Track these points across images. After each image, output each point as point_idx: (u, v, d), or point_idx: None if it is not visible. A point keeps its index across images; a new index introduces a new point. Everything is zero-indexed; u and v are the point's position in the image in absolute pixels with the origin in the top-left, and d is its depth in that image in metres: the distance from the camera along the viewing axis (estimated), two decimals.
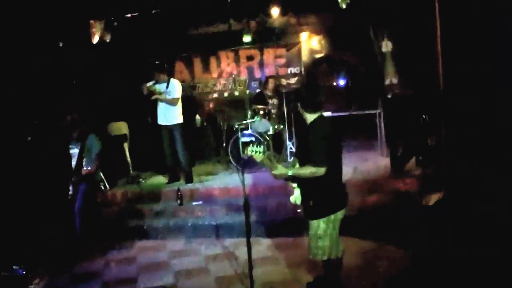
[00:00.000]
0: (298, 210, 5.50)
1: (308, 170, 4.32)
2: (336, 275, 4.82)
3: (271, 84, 9.92)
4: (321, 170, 4.27)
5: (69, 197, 6.93)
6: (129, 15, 8.72)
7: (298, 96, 4.70)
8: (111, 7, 8.68)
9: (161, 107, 8.65)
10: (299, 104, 4.58)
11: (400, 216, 6.64)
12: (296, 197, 4.73)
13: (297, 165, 4.65)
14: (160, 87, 8.57)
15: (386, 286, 5.14)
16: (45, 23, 8.14)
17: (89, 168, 6.90)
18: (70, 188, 6.95)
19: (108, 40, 8.77)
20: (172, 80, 8.71)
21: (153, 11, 8.68)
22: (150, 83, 8.59)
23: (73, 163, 7.07)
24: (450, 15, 7.40)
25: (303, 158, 4.58)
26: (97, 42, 8.73)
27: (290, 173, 4.47)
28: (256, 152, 4.40)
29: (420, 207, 6.80)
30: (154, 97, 8.52)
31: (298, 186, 4.68)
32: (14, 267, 6.30)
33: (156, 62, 9.02)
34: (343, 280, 5.18)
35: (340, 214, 4.57)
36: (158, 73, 8.59)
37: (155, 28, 9.44)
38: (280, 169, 4.48)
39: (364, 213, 6.96)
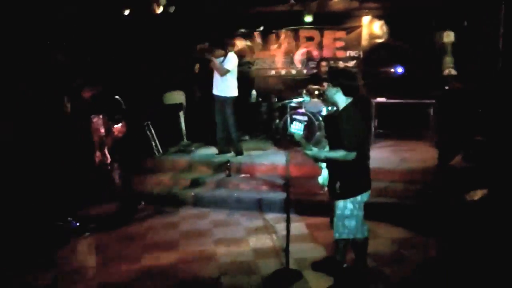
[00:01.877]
0: (322, 192, 5.67)
1: (340, 153, 4.44)
2: (363, 254, 4.94)
3: (323, 67, 10.02)
4: (352, 155, 4.40)
5: (108, 163, 7.07)
6: None
7: (334, 76, 4.75)
8: None
9: (217, 78, 8.91)
10: (331, 85, 4.63)
11: (441, 209, 6.68)
12: (324, 178, 4.90)
13: (327, 148, 4.77)
14: (218, 60, 8.76)
15: (417, 275, 5.20)
16: None
17: (118, 126, 6.92)
18: (107, 154, 7.04)
19: (171, 11, 9.00)
20: (230, 53, 8.90)
21: None
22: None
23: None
24: None
25: (333, 141, 4.68)
26: (161, 13, 8.97)
27: (322, 156, 4.62)
28: (296, 128, 4.55)
29: (464, 201, 6.80)
30: (207, 56, 8.76)
31: (327, 167, 4.84)
32: (69, 218, 6.77)
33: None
34: (376, 263, 5.34)
35: (366, 196, 4.70)
36: (216, 48, 8.84)
37: (218, 3, 9.64)
38: (313, 150, 4.63)
39: (405, 202, 7.04)
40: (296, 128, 4.57)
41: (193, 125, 10.55)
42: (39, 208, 6.89)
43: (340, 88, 4.58)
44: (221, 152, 9.13)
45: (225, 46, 8.93)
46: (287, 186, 5.00)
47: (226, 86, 8.80)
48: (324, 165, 4.92)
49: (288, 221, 5.06)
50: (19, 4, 7.39)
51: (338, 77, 4.69)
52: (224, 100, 8.83)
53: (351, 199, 4.61)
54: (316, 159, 4.79)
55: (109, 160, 6.93)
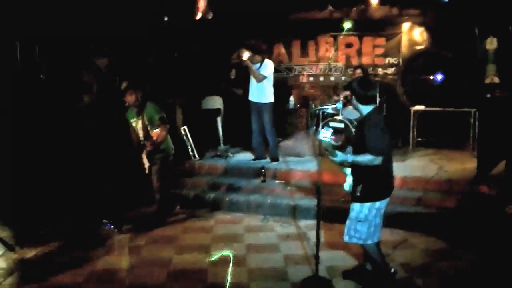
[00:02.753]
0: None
1: (366, 158, 4.46)
2: (378, 258, 4.91)
3: (357, 75, 9.89)
4: (378, 159, 4.43)
5: (147, 168, 7.08)
6: None
7: (351, 89, 4.88)
8: None
9: (253, 84, 8.87)
10: (353, 97, 4.76)
11: (478, 221, 6.54)
12: (349, 184, 4.89)
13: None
14: (255, 66, 8.74)
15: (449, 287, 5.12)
16: None
17: (157, 130, 6.84)
18: (145, 160, 7.04)
19: (209, 18, 9.09)
20: (266, 60, 8.87)
21: None
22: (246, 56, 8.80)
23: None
24: None
25: (357, 148, 4.69)
26: (200, 19, 9.07)
27: (350, 160, 4.62)
28: (324, 135, 4.56)
29: (503, 214, 6.65)
30: (245, 63, 8.65)
31: (351, 173, 4.86)
32: (104, 220, 6.92)
33: (249, 42, 9.12)
34: (408, 274, 5.27)
35: (384, 203, 4.70)
36: (253, 54, 8.72)
37: (257, 10, 9.69)
38: (340, 156, 4.62)
39: (442, 212, 6.92)
40: (324, 135, 4.57)
41: (230, 131, 10.61)
42: (77, 209, 7.06)
43: (356, 98, 4.72)
44: (257, 158, 9.16)
45: (262, 52, 8.92)
46: (319, 193, 4.97)
47: (262, 92, 8.77)
48: (349, 171, 4.91)
49: (318, 228, 5.05)
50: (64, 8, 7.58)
51: (354, 87, 4.79)
52: (260, 106, 8.81)
53: (368, 204, 4.65)
54: (342, 165, 4.79)
55: (147, 164, 6.99)
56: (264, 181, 8.25)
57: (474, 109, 9.42)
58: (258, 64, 8.76)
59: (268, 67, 8.76)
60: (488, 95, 9.55)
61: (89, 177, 7.46)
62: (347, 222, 4.79)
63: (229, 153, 9.67)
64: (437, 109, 9.77)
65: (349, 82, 10.15)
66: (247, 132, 9.44)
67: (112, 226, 6.89)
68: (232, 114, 10.86)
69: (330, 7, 10.16)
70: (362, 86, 4.73)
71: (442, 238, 6.37)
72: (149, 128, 6.89)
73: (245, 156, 9.72)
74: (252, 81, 8.86)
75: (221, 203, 7.89)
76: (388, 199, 4.73)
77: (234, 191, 8.15)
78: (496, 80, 9.99)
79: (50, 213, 6.85)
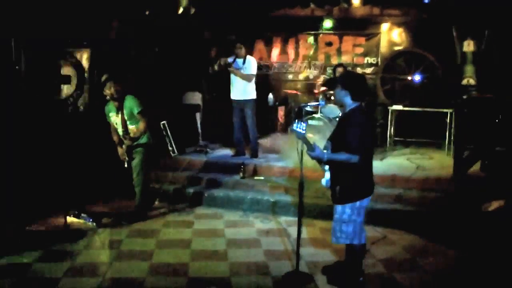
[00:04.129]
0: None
1: (343, 156, 4.45)
2: (358, 261, 4.93)
3: (339, 72, 9.91)
4: (355, 158, 4.40)
5: (126, 163, 6.99)
6: None
7: (344, 80, 4.80)
8: None
9: (236, 82, 8.86)
10: (340, 87, 4.67)
11: (456, 218, 6.66)
12: (326, 180, 4.90)
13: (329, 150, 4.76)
14: (238, 62, 8.76)
15: (429, 283, 5.18)
16: None
17: (136, 126, 6.80)
18: (124, 154, 6.93)
19: (191, 13, 9.06)
20: (248, 57, 8.88)
21: None
22: (230, 59, 8.82)
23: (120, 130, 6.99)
24: None
25: (336, 143, 4.70)
26: (181, 13, 9.03)
27: (325, 157, 4.59)
28: (299, 128, 4.56)
29: (479, 212, 6.78)
30: (230, 69, 8.70)
31: (329, 170, 4.84)
32: (82, 215, 6.85)
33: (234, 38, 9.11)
34: (387, 270, 5.34)
35: (366, 202, 4.70)
36: (240, 46, 8.77)
37: (238, 5, 9.68)
38: (316, 151, 4.58)
39: (421, 210, 7.02)
40: (299, 127, 4.56)
41: (209, 126, 10.61)
42: (55, 202, 6.97)
43: (349, 92, 4.62)
44: (237, 154, 9.17)
45: (238, 49, 8.86)
46: (301, 188, 4.99)
47: (245, 90, 8.79)
48: (326, 167, 4.90)
49: (299, 223, 5.09)
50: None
51: (349, 81, 4.74)
52: (244, 103, 8.84)
53: (350, 204, 4.63)
54: (319, 161, 4.78)
55: (126, 158, 6.93)
56: (243, 177, 8.25)
57: (451, 110, 9.55)
58: (241, 60, 8.76)
59: (252, 65, 8.78)
60: (464, 96, 9.72)
61: (67, 170, 7.36)
62: (332, 223, 4.79)
63: (208, 149, 9.65)
64: (415, 109, 9.89)
65: (329, 78, 10.19)
66: (226, 128, 9.47)
67: (91, 220, 6.82)
68: (211, 110, 10.85)
69: (312, 5, 10.15)
70: (357, 81, 4.73)
71: (421, 235, 6.47)
72: (128, 122, 6.83)
73: (224, 152, 9.74)
74: (234, 79, 8.87)
75: (201, 198, 7.88)
76: (369, 197, 4.74)
77: (214, 186, 8.14)
78: (472, 81, 10.17)
79: (27, 206, 6.73)
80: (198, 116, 10.45)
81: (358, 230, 4.71)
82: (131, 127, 6.73)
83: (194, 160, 9.04)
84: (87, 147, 7.64)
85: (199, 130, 10.43)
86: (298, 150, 4.83)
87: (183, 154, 9.41)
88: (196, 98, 10.64)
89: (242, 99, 8.88)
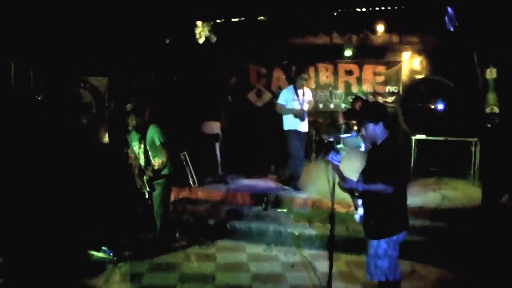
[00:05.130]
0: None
1: (378, 187, 4.28)
2: None
3: (357, 106, 9.79)
4: (390, 189, 4.23)
5: (147, 194, 6.87)
6: (235, 19, 8.92)
7: (372, 113, 4.66)
8: (217, 10, 8.96)
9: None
10: (370, 121, 4.51)
11: (485, 250, 6.46)
12: (360, 215, 4.71)
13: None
14: (299, 93, 8.65)
15: None
16: (156, 20, 8.52)
17: (160, 160, 6.61)
18: (145, 185, 6.80)
19: (213, 42, 9.02)
20: (305, 87, 8.85)
21: (258, 18, 8.86)
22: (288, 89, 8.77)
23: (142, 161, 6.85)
24: None
25: (369, 175, 4.53)
26: (203, 43, 9.00)
27: (360, 188, 4.45)
28: (334, 159, 4.41)
29: (509, 243, 6.56)
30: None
31: (362, 204, 4.64)
32: (103, 248, 6.70)
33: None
34: None
35: (402, 236, 4.50)
36: (305, 76, 8.78)
37: (257, 34, 9.64)
38: (350, 182, 4.45)
39: (448, 243, 6.81)
40: (334, 158, 4.42)
41: (228, 156, 10.47)
42: (76, 236, 6.85)
43: (381, 123, 4.48)
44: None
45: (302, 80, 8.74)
46: (332, 221, 4.80)
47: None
48: (360, 202, 4.72)
49: (331, 259, 4.87)
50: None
51: (377, 112, 4.60)
52: (304, 134, 8.87)
53: (386, 238, 4.43)
54: (352, 193, 4.62)
55: (147, 189, 6.80)
56: (266, 209, 8.08)
57: (475, 139, 9.38)
58: (301, 91, 8.70)
59: (311, 94, 8.96)
60: (488, 125, 9.55)
61: (88, 202, 7.26)
62: (367, 259, 4.60)
63: (228, 179, 9.51)
64: (438, 138, 9.72)
65: (349, 109, 10.07)
66: (244, 158, 9.34)
67: (112, 253, 6.66)
68: (229, 140, 10.74)
69: (333, 33, 10.08)
70: (383, 110, 4.61)
71: (450, 269, 6.27)
72: (150, 153, 6.72)
73: (244, 183, 9.60)
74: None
75: (222, 230, 7.69)
76: (405, 231, 4.55)
77: (235, 218, 7.95)
78: (496, 109, 9.99)
79: (48, 241, 6.60)
80: (217, 146, 10.31)
81: (393, 266, 4.51)
82: (155, 160, 6.57)
83: (214, 191, 8.91)
84: (108, 178, 7.52)
85: (218, 160, 10.27)
86: (330, 182, 4.66)
87: (203, 185, 9.27)
88: (214, 127, 10.51)
89: (305, 131, 8.83)
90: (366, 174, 4.63)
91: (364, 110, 5.06)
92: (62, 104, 7.97)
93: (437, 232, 7.06)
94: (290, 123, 8.66)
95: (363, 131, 4.63)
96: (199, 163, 9.44)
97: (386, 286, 4.64)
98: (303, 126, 8.73)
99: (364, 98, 10.19)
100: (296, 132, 8.65)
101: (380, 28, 9.00)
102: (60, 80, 8.05)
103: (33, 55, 7.36)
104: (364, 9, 8.55)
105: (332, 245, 4.92)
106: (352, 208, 4.82)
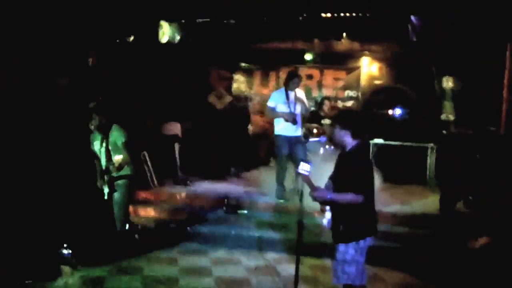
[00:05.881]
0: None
1: (348, 197, 4.31)
2: None
3: (326, 106, 9.85)
4: (360, 198, 4.27)
5: (106, 195, 6.77)
6: (199, 20, 8.87)
7: (343, 119, 4.70)
8: (183, 11, 8.89)
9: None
10: (339, 127, 4.54)
11: (443, 255, 6.62)
12: (327, 220, 4.75)
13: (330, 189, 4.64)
14: (290, 95, 8.39)
15: None
16: (118, 18, 8.39)
17: (120, 156, 6.52)
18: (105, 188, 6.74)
19: (176, 42, 8.95)
20: (297, 89, 8.59)
21: (224, 21, 8.84)
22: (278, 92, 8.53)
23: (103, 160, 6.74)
24: None
25: (338, 182, 4.56)
26: (166, 43, 8.92)
27: (328, 197, 4.45)
28: (303, 169, 4.44)
29: (466, 249, 6.75)
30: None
31: (330, 209, 4.67)
32: (61, 249, 6.49)
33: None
34: None
35: (369, 241, 4.55)
36: (298, 79, 8.50)
37: (221, 36, 9.61)
38: (320, 192, 4.46)
39: (406, 247, 6.95)
40: (304, 168, 4.44)
41: (187, 158, 10.40)
42: (31, 237, 6.63)
43: (349, 131, 4.50)
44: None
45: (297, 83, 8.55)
46: (301, 226, 4.80)
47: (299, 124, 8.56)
48: (328, 207, 4.76)
49: (297, 263, 4.87)
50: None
51: (348, 120, 4.63)
52: (299, 140, 8.56)
53: (353, 243, 4.46)
54: (323, 202, 4.65)
55: (107, 190, 6.68)
56: (227, 212, 8.07)
57: (432, 144, 9.62)
58: (293, 93, 8.45)
59: (304, 95, 8.76)
60: (444, 132, 9.83)
61: (43, 203, 7.04)
62: (334, 263, 4.62)
63: (188, 181, 9.44)
64: (396, 143, 9.90)
65: (313, 112, 10.15)
66: (204, 159, 9.49)
67: (70, 255, 6.47)
68: (189, 141, 10.67)
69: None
70: (358, 119, 4.64)
71: (410, 273, 6.36)
72: (111, 152, 6.60)
73: (205, 185, 9.57)
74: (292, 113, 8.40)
75: (183, 233, 7.61)
76: (372, 237, 4.60)
77: (196, 221, 7.88)
78: (451, 117, 10.30)
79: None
80: (176, 147, 10.23)
81: (360, 271, 4.56)
82: (117, 158, 6.44)
83: (175, 192, 8.86)
84: (66, 178, 7.34)
85: (177, 162, 10.19)
86: (298, 190, 4.68)
87: (163, 186, 9.18)
88: (175, 128, 10.43)
89: (298, 135, 8.49)
90: (334, 180, 4.67)
91: (336, 115, 5.09)
92: (21, 101, 7.73)
93: (397, 237, 7.16)
94: (279, 127, 8.42)
95: (333, 135, 4.67)
96: (158, 164, 9.35)
97: None
98: (294, 131, 8.38)
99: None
100: (284, 138, 8.35)
101: (343, 34, 9.09)
102: (19, 78, 7.82)
103: None
104: (328, 15, 8.65)
105: (300, 250, 4.93)
106: (316, 214, 4.84)
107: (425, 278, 6.18)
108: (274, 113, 8.40)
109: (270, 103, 8.43)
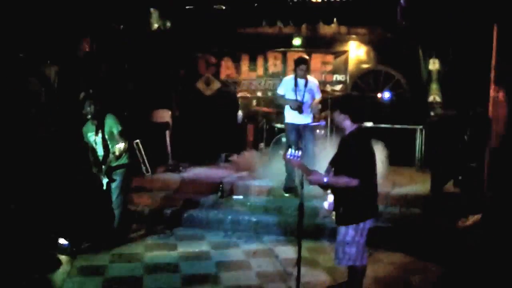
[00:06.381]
0: (326, 216, 5.67)
1: (343, 180, 4.40)
2: (359, 282, 4.88)
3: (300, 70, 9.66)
4: (355, 182, 4.34)
5: (105, 185, 6.72)
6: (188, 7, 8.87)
7: (343, 103, 4.79)
8: None
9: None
10: (339, 111, 4.62)
11: (435, 233, 6.78)
12: (329, 203, 4.85)
13: (331, 173, 4.74)
14: (299, 83, 7.97)
15: None
16: (109, 5, 8.37)
17: (122, 145, 6.29)
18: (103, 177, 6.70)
19: (167, 28, 8.95)
20: (309, 77, 8.17)
21: (213, 7, 8.84)
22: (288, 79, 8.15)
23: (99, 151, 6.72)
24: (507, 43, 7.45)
25: (337, 166, 4.66)
26: (154, 30, 8.92)
27: (325, 180, 4.54)
28: (294, 156, 4.52)
29: (456, 227, 6.91)
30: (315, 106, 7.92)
31: (332, 192, 4.77)
32: (59, 240, 6.50)
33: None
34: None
35: (369, 223, 4.63)
36: (305, 66, 7.97)
37: (208, 22, 9.60)
38: (316, 175, 4.55)
39: (399, 227, 7.09)
40: (294, 154, 4.52)
41: (178, 145, 10.43)
42: (28, 227, 6.63)
43: (348, 115, 4.57)
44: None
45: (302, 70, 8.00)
46: (301, 209, 4.89)
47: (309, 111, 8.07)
48: (329, 190, 4.85)
49: (299, 244, 4.97)
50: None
51: (348, 104, 4.71)
52: (311, 128, 8.18)
53: (354, 225, 4.55)
54: (320, 185, 4.74)
55: (105, 180, 6.68)
56: (222, 196, 8.14)
57: (420, 126, 9.75)
58: (303, 81, 7.99)
59: (317, 86, 8.23)
60: (431, 113, 9.97)
61: (40, 194, 7.03)
62: (335, 245, 4.72)
63: (180, 168, 9.49)
64: (385, 125, 10.00)
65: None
66: (195, 146, 9.72)
67: (68, 245, 6.49)
68: (180, 128, 10.70)
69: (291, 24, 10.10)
70: (357, 104, 4.71)
71: (405, 252, 6.49)
72: (108, 142, 6.60)
73: (197, 171, 9.63)
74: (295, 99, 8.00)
75: (179, 219, 7.68)
76: (372, 219, 4.70)
77: (192, 206, 7.97)
78: (438, 99, 10.45)
79: None
80: (167, 134, 10.26)
81: (361, 252, 4.67)
82: (118, 146, 6.27)
83: (168, 179, 8.90)
84: (63, 169, 7.34)
85: (169, 149, 10.22)
86: (298, 174, 4.76)
87: (156, 173, 9.21)
88: (165, 116, 10.46)
89: (308, 123, 8.04)
90: (334, 164, 4.76)
91: (336, 100, 5.18)
92: (7, 92, 7.67)
93: (390, 217, 7.30)
94: (287, 115, 8.15)
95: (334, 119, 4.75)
96: (150, 152, 9.36)
97: (354, 271, 4.81)
98: (302, 119, 7.98)
99: None
100: (291, 126, 8.06)
101: (333, 19, 9.12)
102: (5, 66, 7.76)
103: None
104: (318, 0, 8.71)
105: (300, 233, 5.03)
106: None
107: (420, 258, 6.31)
108: (282, 100, 8.17)
109: (279, 90, 8.21)
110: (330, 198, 4.78)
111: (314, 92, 8.06)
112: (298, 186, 4.84)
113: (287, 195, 8.08)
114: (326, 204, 4.87)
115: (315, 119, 8.27)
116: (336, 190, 4.68)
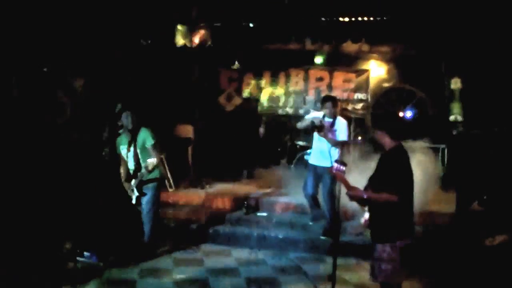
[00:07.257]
0: (359, 233, 5.63)
1: (383, 197, 4.39)
2: None
3: (325, 109, 9.54)
4: (394, 198, 4.33)
5: (135, 199, 6.73)
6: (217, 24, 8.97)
7: (380, 120, 4.80)
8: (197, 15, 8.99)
9: (317, 145, 7.40)
10: (380, 128, 4.65)
11: (461, 253, 6.71)
12: (366, 220, 4.85)
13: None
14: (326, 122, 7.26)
15: None
16: (137, 21, 8.47)
17: (154, 159, 6.29)
18: (134, 189, 6.68)
19: (193, 46, 9.03)
20: (340, 118, 7.38)
21: (239, 24, 8.93)
22: (316, 115, 7.51)
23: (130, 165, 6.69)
24: None
25: (376, 182, 4.64)
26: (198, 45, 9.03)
27: (365, 196, 4.54)
28: (340, 170, 4.54)
29: (483, 246, 6.85)
30: (320, 134, 7.08)
31: (368, 209, 4.78)
32: (86, 253, 6.50)
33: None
34: None
35: (405, 242, 4.59)
36: (333, 105, 7.29)
37: (234, 39, 9.69)
38: (356, 190, 4.56)
39: (427, 246, 7.02)
40: (340, 169, 4.57)
41: (200, 160, 10.46)
42: (57, 242, 6.67)
43: (385, 132, 4.59)
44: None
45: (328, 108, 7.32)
46: (338, 226, 4.91)
47: (326, 155, 6.85)
48: (366, 207, 4.86)
49: (334, 262, 4.98)
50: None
51: (384, 121, 4.73)
52: (322, 171, 7.25)
53: (390, 243, 4.54)
54: (359, 201, 4.74)
55: (136, 194, 6.70)
56: (247, 213, 8.14)
57: (443, 145, 9.73)
58: (331, 121, 7.27)
59: (345, 128, 7.29)
60: (454, 132, 9.94)
61: (68, 206, 7.07)
62: (371, 261, 4.72)
63: (204, 183, 9.51)
64: (407, 144, 9.96)
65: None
66: (217, 161, 9.70)
67: (96, 258, 6.50)
68: (202, 144, 10.73)
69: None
70: (394, 121, 4.72)
71: (427, 273, 6.43)
72: (140, 156, 6.61)
73: (220, 186, 9.65)
74: (317, 140, 7.40)
75: (204, 234, 7.70)
76: (409, 237, 4.68)
77: (217, 222, 7.97)
78: (459, 118, 10.43)
79: (26, 248, 6.30)
80: (189, 149, 10.30)
81: (397, 269, 4.65)
82: (150, 161, 6.28)
83: (192, 195, 8.91)
84: (92, 182, 7.37)
85: (190, 163, 10.25)
86: (337, 190, 4.77)
87: (178, 189, 9.24)
88: (188, 130, 10.50)
89: (321, 166, 7.27)
90: (373, 181, 4.76)
91: (374, 117, 5.20)
92: (36, 103, 7.75)
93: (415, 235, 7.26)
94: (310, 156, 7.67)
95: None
96: (172, 167, 9.39)
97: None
98: (321, 161, 7.28)
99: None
100: (311, 166, 7.53)
101: (359, 37, 9.19)
102: (34, 78, 7.85)
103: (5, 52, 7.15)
104: (341, 19, 8.77)
105: (336, 251, 5.05)
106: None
107: (439, 277, 6.34)
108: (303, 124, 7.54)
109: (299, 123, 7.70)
110: (366, 215, 4.79)
111: (337, 134, 7.24)
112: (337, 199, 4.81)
113: (323, 238, 7.28)
114: (362, 221, 4.89)
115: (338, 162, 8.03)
116: (373, 207, 4.69)
